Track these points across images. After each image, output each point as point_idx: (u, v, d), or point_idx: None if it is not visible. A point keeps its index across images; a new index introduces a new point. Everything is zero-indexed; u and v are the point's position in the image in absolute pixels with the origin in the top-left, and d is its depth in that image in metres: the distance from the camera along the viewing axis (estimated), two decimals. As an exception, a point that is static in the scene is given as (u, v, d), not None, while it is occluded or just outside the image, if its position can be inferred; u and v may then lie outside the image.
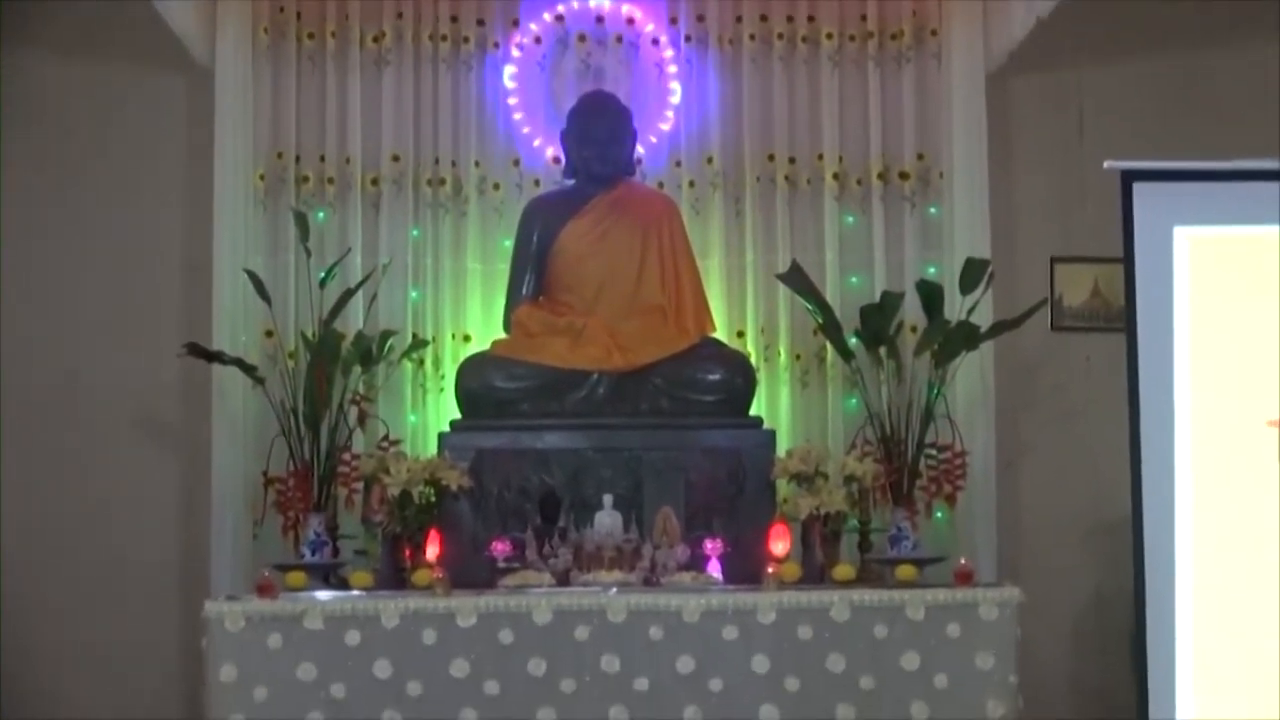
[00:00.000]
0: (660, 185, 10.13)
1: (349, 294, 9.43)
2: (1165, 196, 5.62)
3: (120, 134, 10.11)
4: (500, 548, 8.60)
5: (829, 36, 10.18)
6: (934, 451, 9.41)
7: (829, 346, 9.78)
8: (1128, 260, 5.53)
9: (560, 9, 10.31)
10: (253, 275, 9.41)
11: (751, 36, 10.20)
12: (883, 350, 9.49)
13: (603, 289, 9.62)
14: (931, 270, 9.92)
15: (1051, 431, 10.15)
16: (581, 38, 10.28)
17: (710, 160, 10.16)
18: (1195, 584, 5.50)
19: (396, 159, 10.02)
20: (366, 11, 10.09)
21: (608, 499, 8.80)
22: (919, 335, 9.51)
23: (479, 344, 9.80)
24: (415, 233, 10.02)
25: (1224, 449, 5.48)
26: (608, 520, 8.73)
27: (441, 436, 9.26)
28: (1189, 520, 5.54)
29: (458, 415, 9.37)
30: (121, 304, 9.97)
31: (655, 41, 10.32)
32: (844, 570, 8.62)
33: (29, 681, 9.67)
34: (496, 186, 10.13)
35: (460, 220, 10.08)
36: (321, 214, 9.92)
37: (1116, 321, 9.67)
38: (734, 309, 10.07)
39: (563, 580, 8.48)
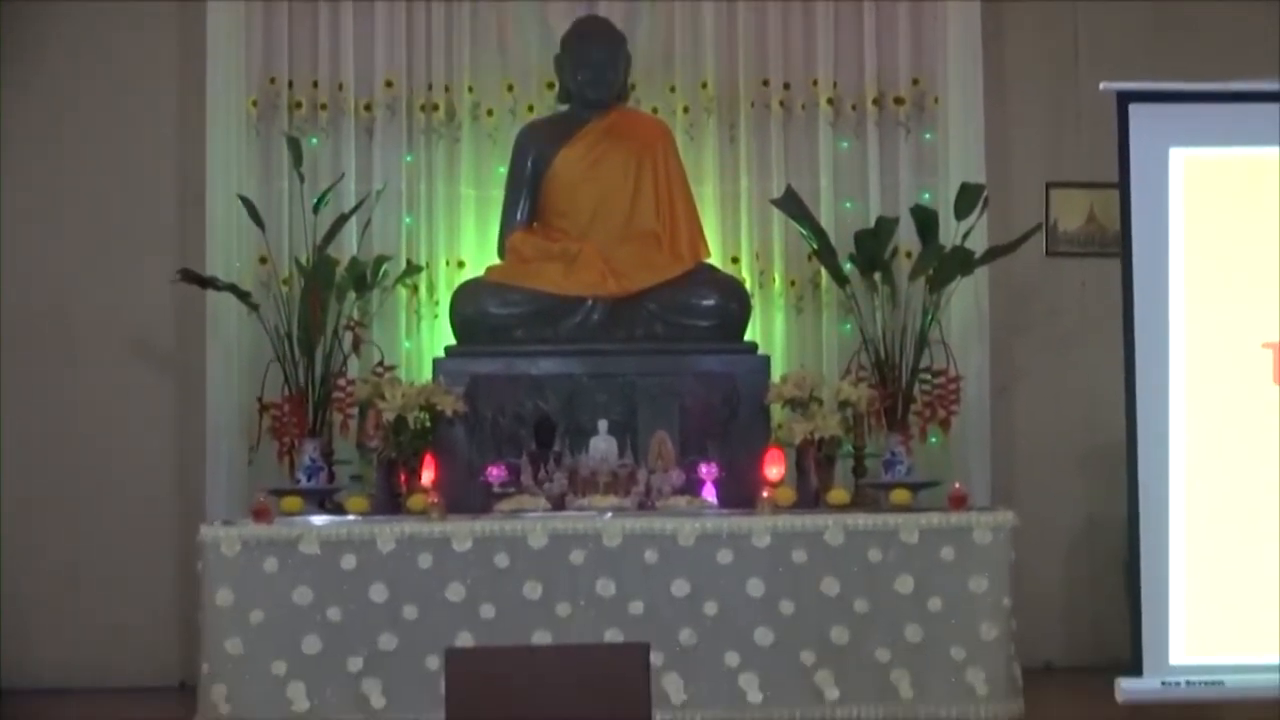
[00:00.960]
0: (654, 111, 10.08)
1: (343, 220, 9.41)
2: (1161, 118, 5.59)
3: (113, 61, 10.05)
4: (495, 473, 8.62)
5: (823, -40, 10.12)
6: (928, 376, 9.42)
7: (824, 272, 9.77)
8: (1123, 182, 5.51)
9: (555, -67, 10.22)
10: (246, 201, 9.38)
11: (746, -40, 10.13)
12: (877, 276, 9.49)
13: (597, 215, 9.60)
14: (926, 196, 9.90)
15: (1046, 356, 10.17)
16: (576, -39, 10.21)
17: (704, 85, 10.11)
18: (1189, 508, 5.50)
19: (390, 84, 9.97)
20: (359, -64, 10.02)
21: (602, 424, 8.83)
22: (914, 260, 9.50)
23: (473, 270, 9.78)
24: (409, 158, 9.99)
25: (1219, 372, 5.47)
26: (603, 445, 8.76)
27: (436, 362, 9.27)
28: (1183, 444, 5.53)
29: (452, 341, 9.38)
30: (115, 231, 9.94)
31: (649, -35, 10.25)
32: (838, 495, 8.66)
33: (28, 606, 9.71)
34: (490, 112, 10.08)
35: (454, 146, 10.04)
36: (315, 140, 9.88)
37: (1111, 246, 9.69)
38: (728, 235, 10.04)
39: (558, 505, 8.51)
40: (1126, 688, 5.10)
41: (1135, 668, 5.20)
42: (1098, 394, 9.75)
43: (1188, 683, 5.09)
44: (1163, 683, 5.13)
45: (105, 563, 9.74)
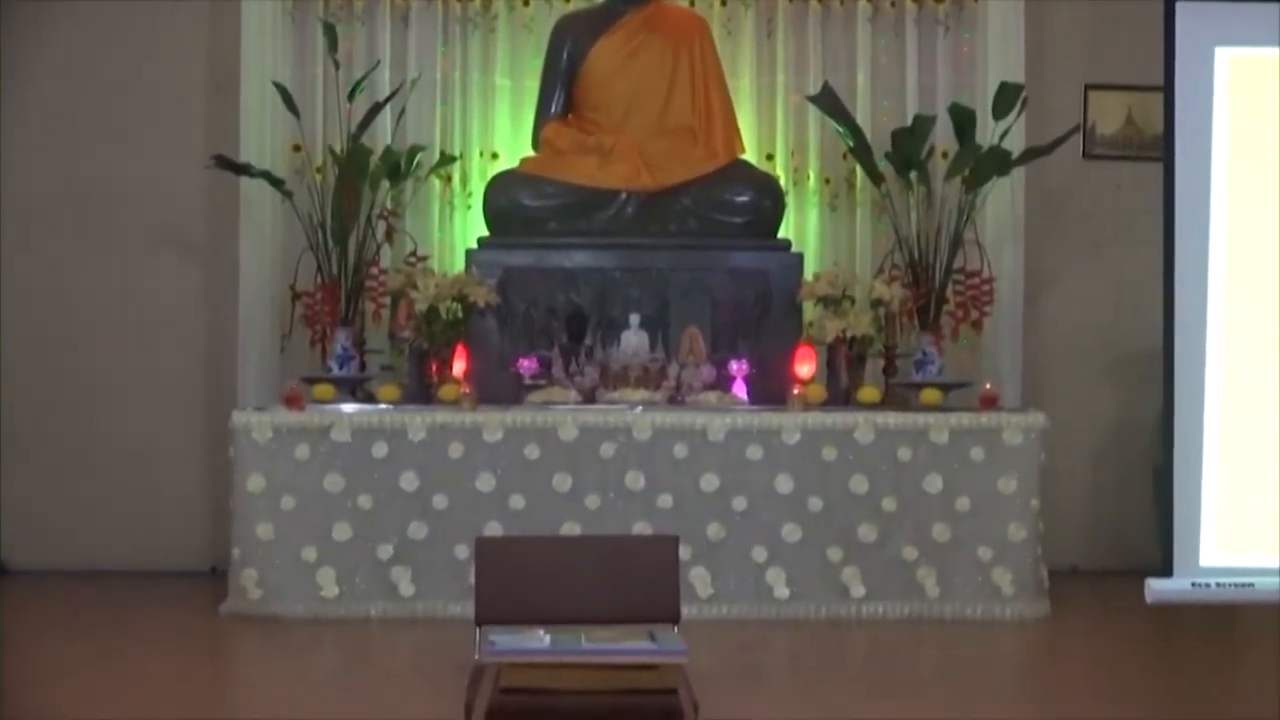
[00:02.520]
0: (691, 4, 9.98)
1: (377, 108, 9.35)
2: (1207, 17, 5.49)
3: (146, -56, 9.98)
4: (527, 365, 8.63)
5: None
6: (962, 277, 9.38)
7: (859, 170, 9.70)
8: (1168, 82, 5.43)
9: None
10: (281, 88, 9.33)
11: None
12: (913, 175, 9.42)
13: (632, 108, 9.54)
14: (964, 96, 9.80)
15: (1079, 259, 10.11)
16: None
17: (743, -21, 10.02)
18: (1224, 409, 5.45)
19: (426, -28, 9.89)
20: None
21: (634, 318, 8.83)
22: (950, 160, 9.43)
23: (507, 161, 9.74)
24: (444, 48, 9.90)
25: (1259, 274, 5.41)
26: (634, 339, 8.77)
27: (469, 253, 9.26)
28: (1220, 346, 5.48)
29: (485, 232, 9.35)
30: (147, 115, 9.88)
31: None
32: (869, 393, 8.67)
33: (56, 490, 9.78)
34: (526, 2, 9.99)
35: (489, 36, 9.96)
36: (350, 27, 9.79)
37: (1149, 150, 9.61)
38: (764, 131, 9.97)
39: (589, 398, 8.53)
40: (1156, 588, 5.08)
41: (1165, 568, 5.18)
42: (1129, 299, 9.72)
43: (1218, 584, 5.07)
44: (1193, 584, 5.10)
45: (136, 448, 9.78)
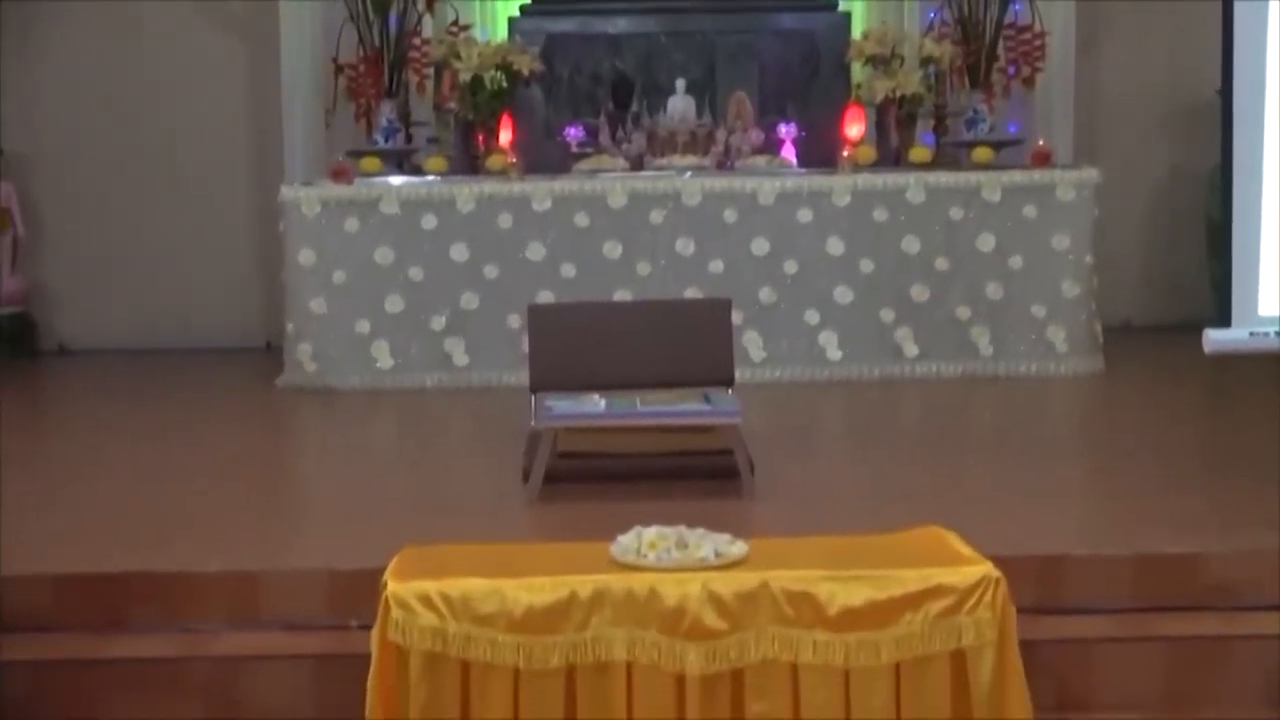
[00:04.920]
0: None
1: (416, -127, 9.16)
2: None
3: None
4: (573, 133, 8.57)
5: None
6: (1013, 32, 9.20)
7: (906, -76, 9.49)
8: None
9: None
10: None
11: None
12: (963, -73, 9.20)
13: None
14: None
15: (1133, 11, 9.89)
16: None
17: None
18: (1283, 161, 5.37)
19: None
20: None
21: (680, 83, 8.72)
22: (1000, -89, 9.19)
23: (547, -75, 9.54)
24: None
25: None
26: (680, 104, 8.67)
27: (511, 21, 9.13)
28: (1279, 93, 5.38)
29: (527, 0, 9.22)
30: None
31: None
32: (920, 153, 8.57)
33: (108, 270, 9.84)
34: None
35: None
36: None
37: (1205, -105, 9.36)
38: (808, -115, 9.73)
39: (636, 165, 8.46)
40: (1214, 338, 5.05)
41: (1223, 319, 5.15)
42: (1185, 48, 9.54)
43: (1276, 333, 5.04)
44: (1250, 333, 5.08)
45: (187, 228, 9.82)
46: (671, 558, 3.81)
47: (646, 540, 3.86)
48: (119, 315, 9.81)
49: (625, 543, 3.88)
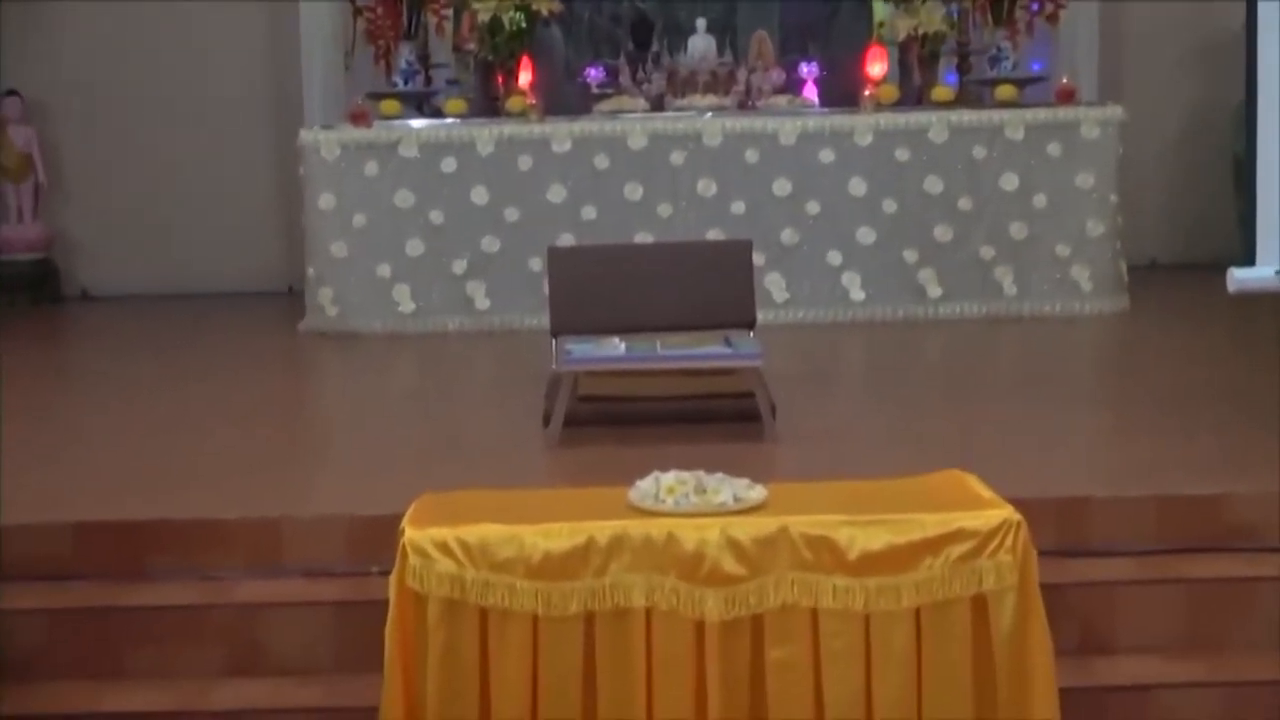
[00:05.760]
0: None
1: None
2: None
3: None
4: (593, 74, 8.53)
5: None
6: (1036, -33, 9.11)
7: None
8: None
9: None
10: None
11: None
12: None
13: None
14: None
15: (1157, -55, 9.80)
16: None
17: None
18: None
19: None
20: None
21: (700, 23, 8.65)
22: None
23: None
24: None
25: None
26: (701, 44, 8.60)
27: (530, -39, 9.06)
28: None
29: (545, -62, 9.15)
30: None
31: None
32: (942, 92, 8.49)
33: (132, 216, 9.84)
34: None
35: None
36: None
37: None
38: None
39: (657, 105, 8.41)
40: (1239, 277, 5.00)
41: (1248, 258, 5.10)
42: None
43: (1301, 272, 4.99)
44: (1276, 272, 5.03)
45: (208, 173, 9.79)
46: (690, 503, 3.79)
47: (664, 485, 3.84)
48: (141, 261, 9.81)
49: (643, 488, 3.86)
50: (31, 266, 9.66)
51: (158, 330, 8.73)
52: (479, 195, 8.07)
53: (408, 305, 8.11)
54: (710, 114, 8.16)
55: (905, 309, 8.11)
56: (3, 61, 9.59)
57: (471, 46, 8.71)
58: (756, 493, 3.85)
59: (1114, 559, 4.48)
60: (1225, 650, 4.31)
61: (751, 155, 8.07)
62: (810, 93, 8.47)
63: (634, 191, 8.07)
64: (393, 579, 3.73)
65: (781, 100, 8.37)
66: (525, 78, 8.27)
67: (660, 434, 5.42)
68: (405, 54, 8.88)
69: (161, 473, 5.24)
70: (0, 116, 9.63)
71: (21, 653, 4.26)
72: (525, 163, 8.07)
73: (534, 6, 8.61)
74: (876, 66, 8.33)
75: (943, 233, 8.09)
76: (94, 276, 9.89)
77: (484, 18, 8.56)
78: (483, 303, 8.11)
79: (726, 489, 3.84)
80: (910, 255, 8.10)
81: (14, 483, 4.98)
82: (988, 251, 8.09)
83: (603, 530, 3.71)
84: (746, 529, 3.71)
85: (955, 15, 8.82)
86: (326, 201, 8.10)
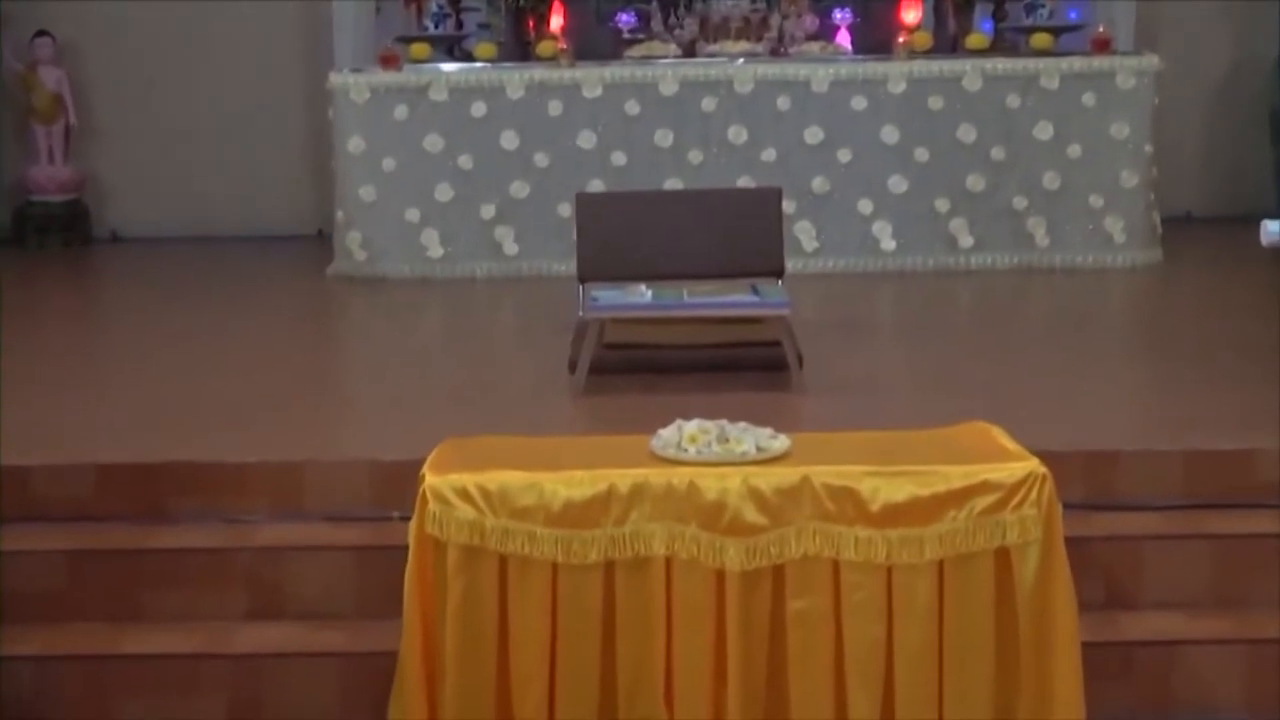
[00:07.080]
0: None
1: None
2: None
3: None
4: (625, 19, 8.48)
5: None
6: (1074, -86, 9.02)
7: None
8: None
9: None
10: None
11: None
12: None
13: None
14: None
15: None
16: None
17: None
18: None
19: None
20: None
21: (734, -33, 8.61)
22: None
23: None
24: None
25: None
26: (733, -11, 8.56)
27: (563, -97, 9.00)
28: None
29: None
30: None
31: None
32: (977, 39, 8.42)
33: (159, 161, 9.83)
34: None
35: None
36: None
37: None
38: None
39: (688, 51, 8.36)
40: (1272, 230, 4.95)
41: (1282, 211, 5.05)
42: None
43: (1336, 226, 4.93)
44: (1311, 225, 4.98)
45: (237, 116, 9.76)
46: (712, 452, 3.76)
47: (687, 434, 3.81)
48: (171, 203, 9.80)
49: (665, 437, 3.83)
50: (62, 208, 9.67)
51: (186, 273, 8.72)
52: (509, 140, 8.03)
53: (436, 250, 8.08)
54: (742, 60, 8.10)
55: (936, 259, 8.05)
56: (34, 2, 9.57)
57: (501, -12, 8.67)
58: (779, 442, 3.82)
59: (1140, 513, 4.44)
60: (1250, 607, 4.27)
61: (783, 102, 8.01)
62: (843, 39, 8.42)
63: (664, 138, 8.02)
64: (412, 525, 3.71)
65: (814, 47, 8.30)
66: (556, 22, 8.22)
67: (686, 382, 5.40)
68: (436, -3, 8.85)
69: (185, 415, 5.23)
70: (32, 58, 9.62)
71: (43, 594, 4.27)
72: (555, 108, 8.03)
73: (566, -50, 8.58)
74: (911, 13, 8.24)
75: (975, 182, 8.02)
76: (124, 219, 9.89)
77: (510, -32, 8.53)
78: (511, 248, 8.08)
79: (749, 438, 3.80)
80: (942, 205, 8.04)
81: (39, 423, 4.99)
82: (1020, 202, 8.03)
83: (624, 479, 3.68)
84: (768, 479, 3.69)
85: (992, -38, 8.76)
86: (356, 145, 8.07)
